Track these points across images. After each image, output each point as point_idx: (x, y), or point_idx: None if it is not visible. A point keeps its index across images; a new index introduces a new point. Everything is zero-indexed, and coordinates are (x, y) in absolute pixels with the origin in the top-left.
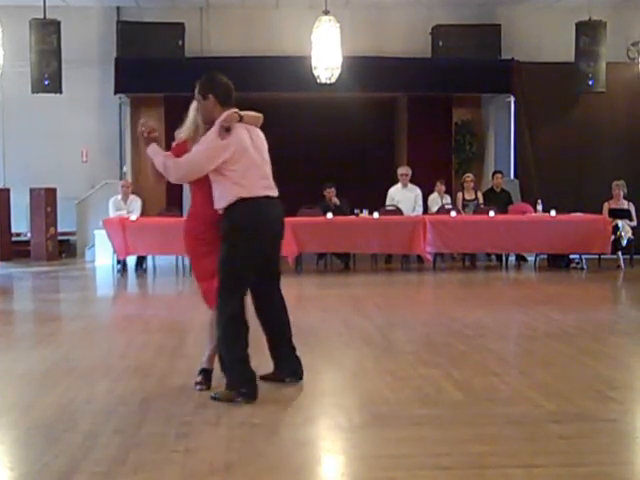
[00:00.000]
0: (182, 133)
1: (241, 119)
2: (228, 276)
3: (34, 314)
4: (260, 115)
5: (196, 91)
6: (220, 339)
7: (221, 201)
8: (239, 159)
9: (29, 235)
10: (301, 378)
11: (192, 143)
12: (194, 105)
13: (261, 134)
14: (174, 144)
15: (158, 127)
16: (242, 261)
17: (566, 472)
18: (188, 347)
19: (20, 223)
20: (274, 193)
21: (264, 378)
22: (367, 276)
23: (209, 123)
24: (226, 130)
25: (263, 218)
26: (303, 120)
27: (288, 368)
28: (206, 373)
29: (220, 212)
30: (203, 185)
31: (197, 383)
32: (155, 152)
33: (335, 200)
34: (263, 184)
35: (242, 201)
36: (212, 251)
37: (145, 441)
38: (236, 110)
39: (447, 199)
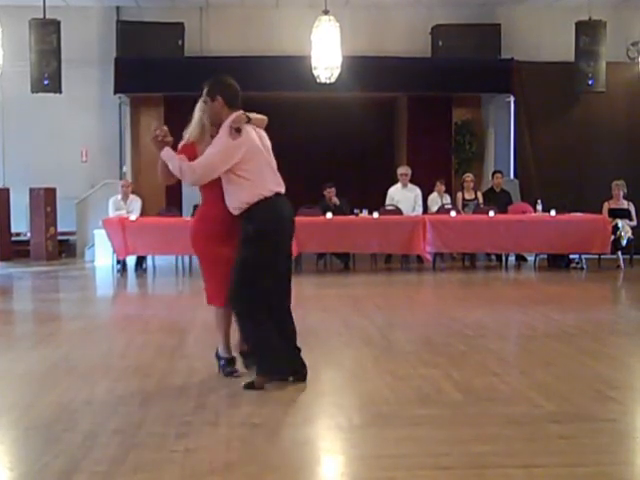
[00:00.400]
0: (188, 134)
1: (249, 120)
2: (253, 279)
3: (34, 314)
4: (265, 118)
5: (204, 92)
6: (245, 336)
7: (235, 200)
8: (252, 158)
9: (29, 235)
10: (304, 379)
11: (200, 144)
12: (199, 106)
13: (265, 135)
14: (181, 145)
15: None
16: (268, 266)
17: (566, 472)
18: (188, 347)
19: (20, 223)
20: (284, 189)
21: None
22: (367, 276)
23: (217, 124)
24: (236, 130)
25: (282, 219)
26: (303, 120)
27: (292, 367)
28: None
29: (235, 211)
30: (214, 186)
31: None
32: (170, 156)
33: (335, 200)
34: (276, 180)
35: (264, 200)
36: (223, 251)
37: (145, 441)
38: (243, 112)
39: (447, 199)
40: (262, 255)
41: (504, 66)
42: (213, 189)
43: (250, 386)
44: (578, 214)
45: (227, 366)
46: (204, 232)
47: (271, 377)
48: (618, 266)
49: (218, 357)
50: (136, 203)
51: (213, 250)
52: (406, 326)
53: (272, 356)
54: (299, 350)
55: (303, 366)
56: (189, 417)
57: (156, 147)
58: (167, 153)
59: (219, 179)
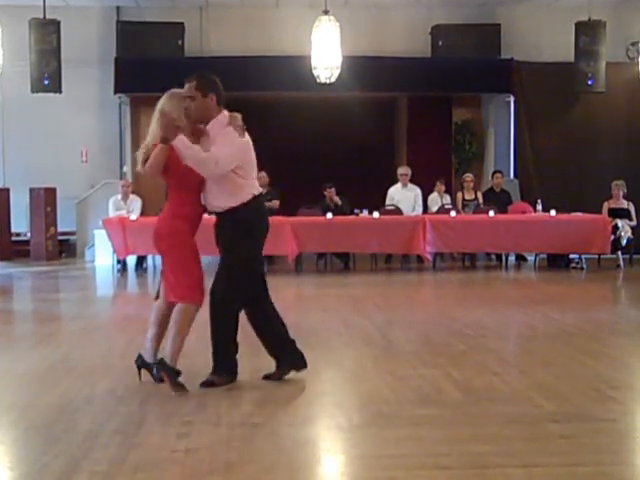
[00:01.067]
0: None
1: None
2: (245, 277)
3: (34, 314)
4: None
5: (192, 87)
6: (219, 332)
7: (227, 200)
8: (249, 158)
9: (29, 235)
10: (305, 366)
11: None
12: (178, 104)
13: None
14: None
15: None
16: (258, 260)
17: (566, 472)
18: (188, 347)
19: (20, 223)
20: None
21: (267, 377)
22: (367, 276)
23: (205, 121)
24: (242, 130)
25: (266, 216)
26: (303, 120)
27: (292, 361)
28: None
29: (222, 209)
30: (195, 185)
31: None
32: (187, 144)
33: (336, 199)
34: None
35: (253, 199)
36: (196, 249)
37: (145, 441)
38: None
39: (447, 199)
40: (253, 252)
41: (504, 66)
42: (194, 188)
43: (209, 384)
44: (578, 214)
45: (174, 377)
46: (185, 230)
47: (227, 377)
48: (618, 266)
49: (164, 366)
50: (136, 203)
51: (194, 248)
52: (406, 326)
53: (232, 356)
54: (294, 342)
55: (302, 357)
56: (189, 417)
57: (170, 134)
58: (183, 140)
59: (199, 180)
